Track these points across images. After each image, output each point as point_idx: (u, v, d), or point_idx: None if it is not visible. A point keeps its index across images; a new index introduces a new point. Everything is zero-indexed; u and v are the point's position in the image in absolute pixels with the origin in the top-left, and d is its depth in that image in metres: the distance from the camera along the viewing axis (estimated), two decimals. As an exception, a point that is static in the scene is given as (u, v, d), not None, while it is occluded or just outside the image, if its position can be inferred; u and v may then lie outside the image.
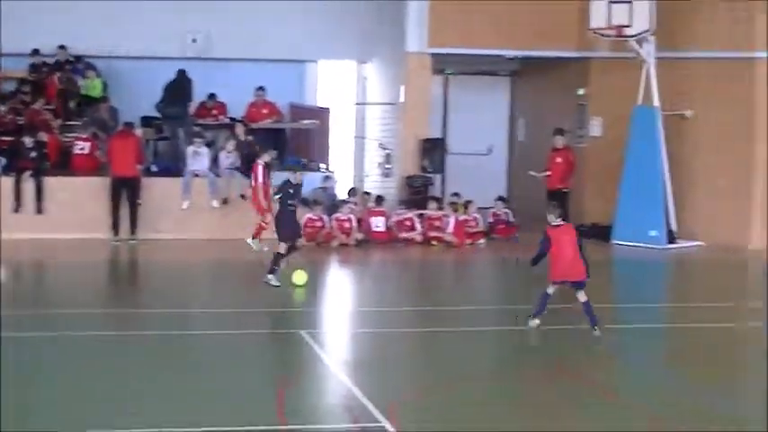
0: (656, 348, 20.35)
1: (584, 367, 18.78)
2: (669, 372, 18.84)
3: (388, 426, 14.60)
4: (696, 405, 16.42)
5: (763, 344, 19.29)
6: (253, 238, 26.48)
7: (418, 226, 31.21)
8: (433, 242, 30.85)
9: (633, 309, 20.78)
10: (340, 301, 23.72)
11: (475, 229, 31.57)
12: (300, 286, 23.45)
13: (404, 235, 31.04)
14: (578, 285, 20.35)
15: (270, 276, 23.56)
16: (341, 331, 21.36)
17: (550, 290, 20.53)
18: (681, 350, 20.17)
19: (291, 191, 24.11)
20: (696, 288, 22.63)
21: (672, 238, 31.80)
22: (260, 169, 26.49)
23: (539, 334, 20.86)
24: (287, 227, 24.06)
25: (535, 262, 21.07)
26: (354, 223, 30.43)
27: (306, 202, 24.57)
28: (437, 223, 31.20)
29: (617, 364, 19.41)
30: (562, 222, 20.92)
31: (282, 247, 23.81)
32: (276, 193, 24.30)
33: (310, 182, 31.92)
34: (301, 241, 24.92)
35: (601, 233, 32.43)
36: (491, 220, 32.79)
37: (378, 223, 31.14)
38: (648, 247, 31.45)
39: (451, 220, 31.19)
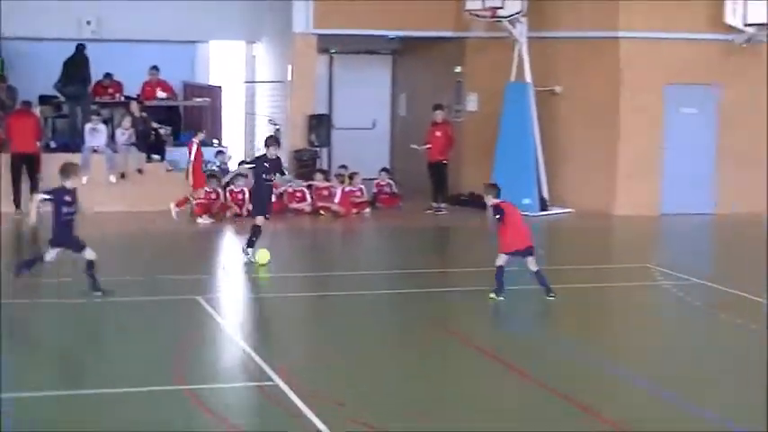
0: (535, 310, 20.43)
1: (467, 329, 18.77)
2: (545, 332, 19.04)
3: (281, 384, 14.67)
4: (572, 363, 16.65)
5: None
6: (176, 205, 27.47)
7: (308, 197, 31.09)
8: (321, 212, 30.80)
9: (513, 272, 20.74)
10: (235, 268, 23.43)
11: (360, 199, 31.57)
12: (263, 265, 22.80)
13: (294, 206, 30.94)
14: (529, 253, 20.04)
15: (249, 250, 23.14)
16: (236, 297, 21.27)
17: (501, 261, 20.07)
18: (560, 311, 20.24)
19: (267, 165, 23.25)
20: (569, 251, 22.82)
21: (544, 206, 31.96)
22: (194, 147, 27.82)
23: (423, 296, 20.89)
24: (262, 202, 23.47)
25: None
26: (247, 195, 30.22)
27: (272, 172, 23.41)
28: (325, 194, 31.16)
29: (499, 326, 19.61)
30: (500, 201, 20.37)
31: (260, 220, 23.24)
32: (251, 167, 24.10)
33: (205, 156, 31.77)
34: (263, 219, 23.61)
35: (478, 201, 32.38)
36: (375, 190, 32.79)
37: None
38: (522, 214, 31.37)
39: (338, 191, 31.18)
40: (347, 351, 17.13)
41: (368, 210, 31.38)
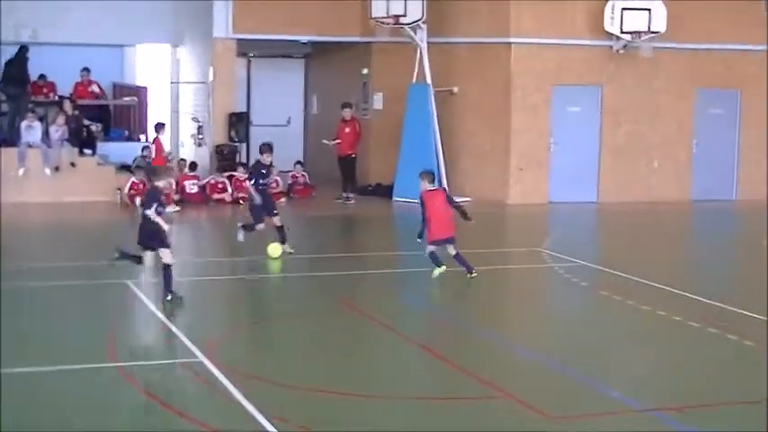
0: (437, 289, 20.52)
1: (369, 306, 18.90)
2: (445, 309, 19.30)
3: (205, 361, 14.66)
4: (464, 335, 16.97)
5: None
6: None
7: (229, 188, 31.20)
8: (241, 201, 30.81)
9: (414, 255, 21.00)
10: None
11: (276, 190, 31.51)
12: (275, 258, 22.25)
13: (216, 196, 31.02)
14: (450, 241, 20.33)
15: (240, 232, 23.06)
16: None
17: (431, 248, 20.33)
18: (462, 290, 20.48)
19: (264, 171, 22.76)
20: (468, 237, 22.93)
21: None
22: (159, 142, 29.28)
23: (334, 278, 21.06)
24: (260, 208, 22.65)
25: (421, 235, 20.42)
26: (173, 186, 30.26)
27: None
28: (244, 185, 31.15)
29: (399, 303, 19.56)
30: (435, 187, 20.75)
31: (260, 226, 22.71)
32: (249, 179, 23.09)
33: (133, 151, 31.78)
34: (278, 218, 22.82)
35: (384, 191, 32.74)
36: (290, 181, 32.82)
37: (192, 186, 31.03)
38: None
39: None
40: (264, 329, 17.31)
41: (283, 200, 31.43)
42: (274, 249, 22.06)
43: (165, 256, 18.15)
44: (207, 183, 31.28)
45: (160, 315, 17.70)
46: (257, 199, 22.53)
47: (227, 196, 31.10)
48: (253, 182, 22.67)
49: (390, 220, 30.37)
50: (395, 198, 32.17)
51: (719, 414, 13.16)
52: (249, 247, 24.76)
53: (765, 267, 21.79)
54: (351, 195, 31.97)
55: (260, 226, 22.75)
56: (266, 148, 23.06)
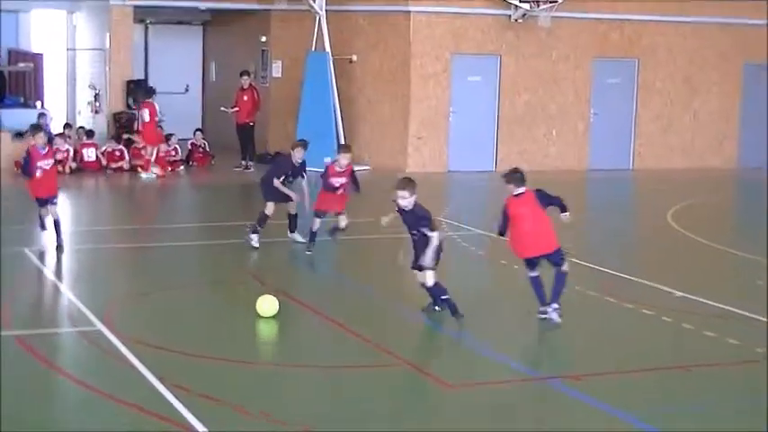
0: (332, 258, 20.95)
1: (267, 275, 19.08)
2: (340, 276, 19.56)
3: (104, 329, 14.73)
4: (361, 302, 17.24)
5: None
6: (145, 173, 28.75)
7: (126, 156, 31.14)
8: (138, 170, 30.80)
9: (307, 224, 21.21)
10: (63, 222, 23.16)
11: (175, 158, 31.64)
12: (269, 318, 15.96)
13: (113, 164, 30.95)
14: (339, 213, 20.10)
15: (252, 236, 20.82)
16: (61, 248, 20.29)
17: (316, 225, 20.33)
18: (354, 258, 21.00)
19: (292, 171, 20.94)
20: (366, 206, 23.03)
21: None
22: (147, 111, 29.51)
23: (231, 246, 21.15)
24: (276, 193, 20.81)
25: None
26: (70, 154, 30.20)
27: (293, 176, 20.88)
28: (141, 153, 31.15)
29: (296, 270, 20.06)
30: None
31: (269, 208, 20.87)
32: (277, 177, 20.74)
33: (29, 117, 31.60)
34: (293, 205, 21.16)
35: (282, 160, 32.91)
36: (189, 149, 32.78)
37: (89, 154, 30.94)
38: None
39: (154, 151, 31.18)
40: (162, 297, 17.26)
41: (182, 168, 31.53)
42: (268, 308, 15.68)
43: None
44: (104, 150, 31.19)
45: (58, 284, 17.73)
46: (294, 197, 20.87)
47: (124, 164, 31.03)
48: (281, 180, 20.79)
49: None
50: (294, 167, 32.30)
51: (617, 382, 13.40)
52: (144, 215, 24.83)
53: (662, 237, 22.25)
54: (249, 164, 32.06)
55: (268, 207, 20.90)
56: (300, 143, 21.50)
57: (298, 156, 20.98)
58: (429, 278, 15.36)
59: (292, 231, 21.46)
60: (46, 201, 19.55)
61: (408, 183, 15.34)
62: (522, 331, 16.04)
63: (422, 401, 12.72)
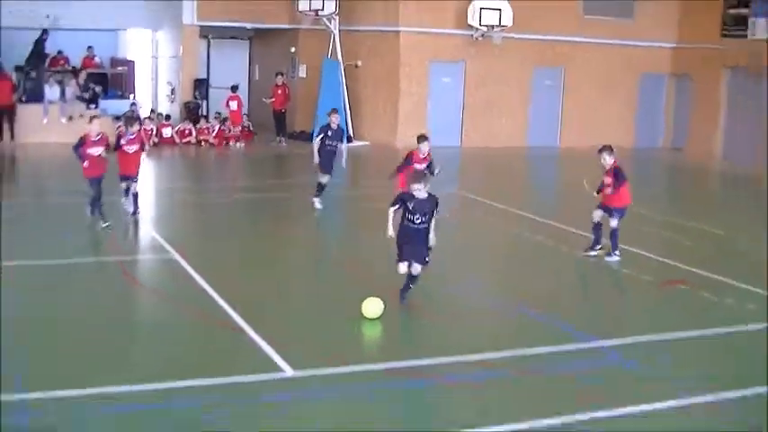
0: (341, 216, 20.81)
1: (293, 227, 19.14)
2: (350, 229, 19.65)
3: (177, 256, 14.94)
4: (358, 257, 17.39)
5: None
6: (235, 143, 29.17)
7: (193, 133, 31.30)
8: (202, 144, 30.97)
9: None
10: (149, 180, 23.06)
11: (228, 135, 31.77)
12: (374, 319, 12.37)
13: (184, 140, 31.11)
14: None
15: (315, 200, 19.92)
16: (148, 198, 20.43)
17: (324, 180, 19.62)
18: (360, 218, 20.64)
19: (330, 133, 19.75)
20: (367, 172, 23.18)
21: (350, 139, 32.35)
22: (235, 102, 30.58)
23: (270, 200, 21.25)
24: (326, 162, 19.80)
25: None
26: (153, 132, 30.38)
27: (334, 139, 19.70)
28: (205, 131, 31.33)
29: (320, 224, 19.56)
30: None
31: (325, 178, 19.85)
32: (317, 135, 19.88)
33: (124, 106, 31.74)
34: (327, 177, 19.92)
35: (306, 137, 32.86)
36: (240, 129, 32.84)
37: (166, 132, 31.07)
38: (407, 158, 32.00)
39: (215, 129, 31.40)
40: (223, 235, 17.37)
41: (236, 143, 31.74)
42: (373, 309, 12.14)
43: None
44: (177, 129, 31.38)
45: (144, 224, 17.74)
46: (316, 158, 19.75)
47: (192, 139, 31.24)
48: (319, 140, 19.80)
49: (311, 159, 30.66)
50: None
51: (562, 306, 13.39)
52: (208, 177, 24.85)
53: (581, 195, 22.43)
54: (282, 139, 32.25)
55: (324, 178, 19.91)
56: (333, 111, 20.60)
57: (334, 120, 19.99)
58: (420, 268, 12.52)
59: (316, 196, 19.98)
60: (98, 180, 17.04)
61: (423, 176, 12.56)
62: (484, 268, 16.03)
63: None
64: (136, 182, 17.86)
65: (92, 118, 17.71)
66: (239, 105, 32.07)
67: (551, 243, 17.16)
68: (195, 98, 33.68)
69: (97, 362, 10.22)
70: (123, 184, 17.75)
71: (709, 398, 9.73)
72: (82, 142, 16.92)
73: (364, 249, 16.61)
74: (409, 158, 17.67)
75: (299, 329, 11.57)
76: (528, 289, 14.16)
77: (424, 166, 17.46)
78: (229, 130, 31.72)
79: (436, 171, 17.24)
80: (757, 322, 12.57)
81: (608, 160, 15.95)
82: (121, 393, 9.27)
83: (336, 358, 10.45)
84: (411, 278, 12.61)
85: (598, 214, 16.16)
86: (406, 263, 12.41)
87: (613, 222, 15.90)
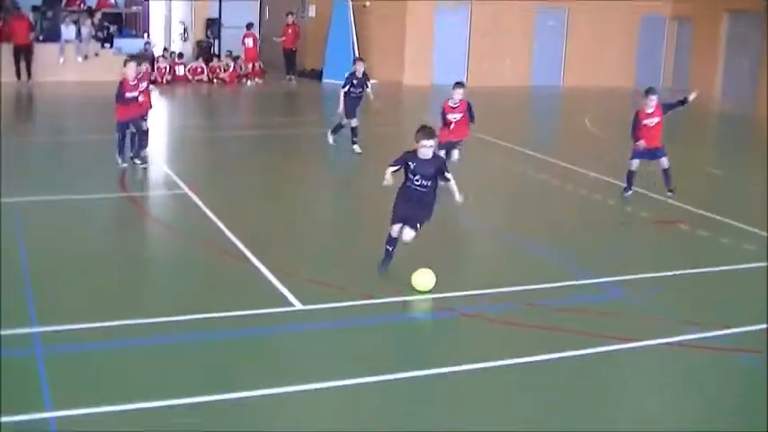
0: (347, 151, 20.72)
1: (304, 163, 19.10)
2: (358, 159, 19.44)
3: (189, 192, 14.89)
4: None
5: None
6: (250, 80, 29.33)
7: (205, 71, 31.11)
8: (214, 81, 30.83)
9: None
10: (162, 118, 23.09)
11: (240, 73, 31.65)
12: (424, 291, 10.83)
13: (196, 77, 30.94)
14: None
15: (331, 136, 19.63)
16: (160, 135, 20.42)
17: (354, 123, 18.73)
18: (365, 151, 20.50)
19: (355, 82, 18.98)
20: (380, 108, 23.06)
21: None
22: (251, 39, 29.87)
23: (279, 136, 21.15)
24: (351, 109, 19.09)
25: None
26: (166, 70, 30.21)
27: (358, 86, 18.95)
28: (217, 69, 31.18)
29: (328, 156, 19.56)
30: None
31: (354, 122, 19.18)
32: (343, 86, 19.01)
33: (138, 45, 31.43)
34: (355, 120, 19.30)
35: (315, 75, 32.88)
36: (251, 66, 32.64)
37: (179, 70, 30.91)
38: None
39: (227, 67, 31.23)
40: (234, 171, 17.36)
41: (249, 80, 31.56)
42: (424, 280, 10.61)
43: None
44: (190, 67, 31.18)
45: (157, 161, 17.64)
46: (340, 107, 19.07)
47: (204, 77, 31.06)
48: (345, 88, 19.05)
49: (321, 94, 30.53)
50: (324, 80, 32.30)
51: (564, 243, 13.43)
52: (220, 112, 24.74)
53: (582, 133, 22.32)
54: (292, 77, 32.11)
55: (345, 121, 19.31)
56: (359, 59, 20.09)
57: (359, 68, 19.18)
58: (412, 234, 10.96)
59: (354, 143, 19.26)
60: (131, 122, 16.69)
61: (433, 132, 10.89)
62: (489, 201, 16.05)
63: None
64: (145, 120, 17.18)
65: (126, 61, 16.80)
66: (255, 42, 31.83)
67: (556, 182, 17.04)
68: (207, 37, 33.49)
69: (113, 296, 10.17)
70: (132, 127, 16.90)
71: (705, 334, 9.65)
72: (121, 89, 16.31)
73: (373, 185, 16.47)
74: (442, 110, 16.74)
75: (309, 264, 11.51)
76: (531, 226, 14.10)
77: (456, 117, 16.65)
78: (241, 68, 31.57)
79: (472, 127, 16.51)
80: (755, 261, 12.47)
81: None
82: (139, 326, 9.21)
83: (345, 292, 10.39)
84: (394, 244, 10.93)
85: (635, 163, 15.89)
86: (399, 225, 10.87)
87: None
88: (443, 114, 16.67)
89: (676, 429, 7.70)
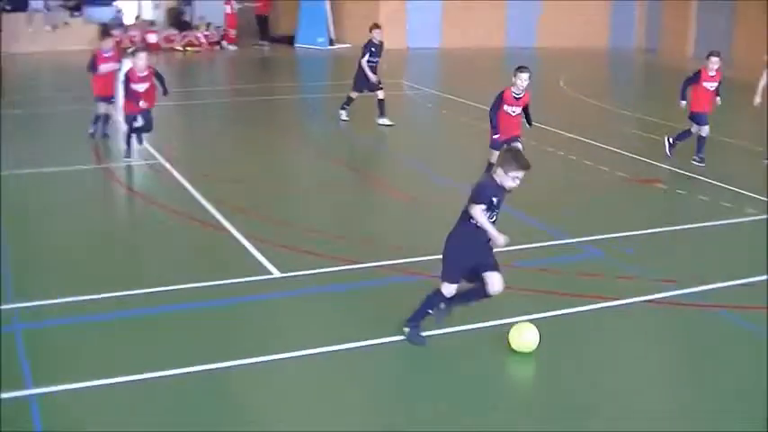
0: (323, 116, 20.51)
1: (278, 129, 18.87)
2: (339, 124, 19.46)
3: (164, 161, 14.84)
4: (361, 148, 17.11)
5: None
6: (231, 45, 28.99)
7: (178, 39, 30.89)
8: (188, 48, 30.62)
9: (313, 86, 21.13)
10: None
11: (213, 40, 31.46)
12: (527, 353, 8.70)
13: (168, 45, 30.71)
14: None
15: (342, 112, 18.63)
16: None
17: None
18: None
19: (374, 50, 18.03)
20: (346, 73, 22.89)
21: (331, 42, 32.20)
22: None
23: (255, 101, 21.02)
24: (362, 79, 18.14)
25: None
26: (138, 37, 29.93)
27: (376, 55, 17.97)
28: (190, 36, 30.99)
29: (308, 120, 19.56)
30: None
31: (354, 94, 18.44)
32: (363, 55, 17.96)
33: (109, 13, 31.14)
34: (381, 93, 18.28)
35: (287, 40, 32.66)
36: (223, 32, 32.43)
37: (152, 37, 30.66)
38: (318, 48, 31.80)
39: (200, 34, 31.02)
40: (208, 139, 17.31)
41: (220, 47, 31.39)
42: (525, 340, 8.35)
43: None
44: (162, 35, 30.94)
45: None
46: (371, 77, 17.98)
47: (177, 45, 30.83)
48: (365, 58, 18.02)
49: (295, 62, 30.39)
50: (297, 45, 32.15)
51: (537, 203, 13.27)
52: (193, 80, 24.51)
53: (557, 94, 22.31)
54: (265, 43, 31.93)
55: (354, 94, 18.49)
56: (375, 25, 18.60)
57: (376, 36, 18.12)
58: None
59: (381, 116, 18.35)
60: (105, 99, 16.25)
61: (528, 163, 8.17)
62: (455, 157, 16.02)
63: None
64: (112, 103, 16.62)
65: (104, 34, 16.34)
66: (233, 9, 31.57)
67: (533, 143, 16.93)
68: (180, 3, 33.16)
69: (90, 270, 10.10)
70: (101, 107, 16.33)
71: (682, 291, 9.70)
72: (94, 60, 15.87)
73: (348, 150, 16.50)
74: (500, 100, 13.34)
75: (286, 232, 11.45)
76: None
77: (517, 111, 13.42)
78: (214, 36, 31.39)
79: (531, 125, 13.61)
80: (731, 217, 12.54)
81: None
82: (118, 298, 9.15)
83: (323, 259, 10.35)
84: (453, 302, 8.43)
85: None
86: (458, 284, 8.29)
87: None
88: (499, 104, 13.29)
89: (659, 387, 7.76)
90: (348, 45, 31.89)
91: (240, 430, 6.89)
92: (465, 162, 15.87)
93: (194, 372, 7.66)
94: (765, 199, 13.34)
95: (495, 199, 8.07)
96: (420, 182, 14.33)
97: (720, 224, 12.28)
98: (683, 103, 15.41)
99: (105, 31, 18.53)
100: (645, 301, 9.42)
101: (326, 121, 19.03)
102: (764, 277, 10.09)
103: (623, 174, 14.89)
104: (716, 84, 15.49)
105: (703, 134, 15.52)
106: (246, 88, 23.70)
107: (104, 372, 7.55)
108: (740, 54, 28.32)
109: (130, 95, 14.84)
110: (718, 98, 15.63)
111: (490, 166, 12.63)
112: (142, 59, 14.85)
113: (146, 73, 14.97)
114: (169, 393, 7.35)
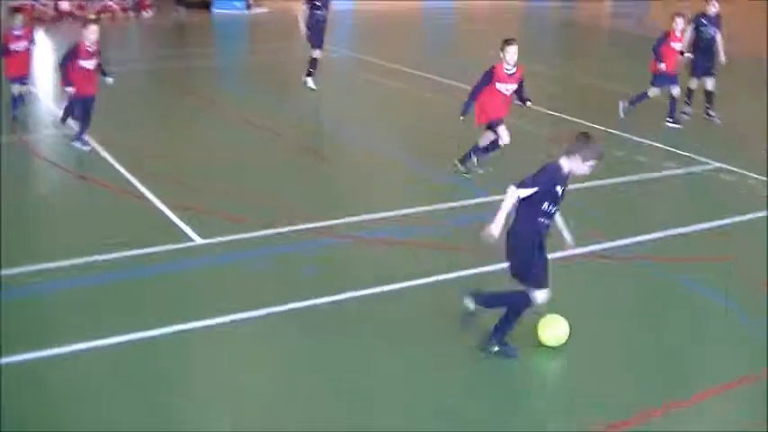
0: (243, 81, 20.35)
1: (200, 97, 18.64)
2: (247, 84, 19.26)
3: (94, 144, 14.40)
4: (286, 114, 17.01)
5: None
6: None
7: (88, 6, 30.24)
8: (101, 16, 29.94)
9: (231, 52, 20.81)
10: (49, 55, 21.80)
11: (125, 6, 30.91)
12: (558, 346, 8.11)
13: (77, 12, 29.99)
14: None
15: (308, 79, 17.90)
16: (49, 73, 19.25)
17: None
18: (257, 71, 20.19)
19: (318, 2, 17.53)
20: (266, 37, 22.67)
21: (248, 6, 31.90)
22: None
23: (174, 69, 20.68)
24: (317, 35, 17.67)
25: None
26: (50, 6, 29.35)
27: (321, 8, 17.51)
28: (105, 5, 30.43)
29: (221, 92, 19.15)
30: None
31: (316, 53, 17.79)
32: (304, 4, 17.48)
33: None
34: (319, 51, 17.87)
35: (204, 5, 32.20)
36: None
37: (64, 6, 29.96)
38: (235, 13, 31.44)
39: (113, 2, 30.50)
40: (125, 108, 16.74)
41: (131, 14, 30.80)
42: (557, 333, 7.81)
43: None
44: (75, 3, 30.25)
45: (47, 101, 17.10)
46: (303, 29, 17.61)
47: (86, 13, 30.13)
48: (308, 6, 17.61)
49: (211, 26, 30.02)
50: (214, 10, 31.75)
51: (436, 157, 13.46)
52: (110, 48, 24.13)
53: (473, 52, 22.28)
54: (180, 8, 31.49)
55: (316, 53, 17.81)
56: None
57: None
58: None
59: (309, 75, 17.94)
60: (19, 79, 14.98)
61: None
62: (380, 122, 15.90)
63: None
64: (26, 84, 15.46)
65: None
66: None
67: (457, 104, 17.03)
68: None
69: (10, 243, 9.85)
70: (15, 88, 15.12)
71: (612, 244, 9.91)
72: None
73: (272, 115, 16.34)
74: (490, 75, 12.16)
75: (207, 198, 11.39)
76: (424, 147, 14.16)
77: (511, 88, 12.25)
78: (129, 2, 30.84)
79: (528, 103, 12.49)
80: (649, 172, 12.82)
81: None
82: (44, 271, 9.04)
83: (244, 225, 10.33)
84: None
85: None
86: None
87: None
88: (489, 80, 12.19)
89: (590, 339, 7.89)
90: (265, 10, 31.58)
91: (162, 399, 6.85)
92: (386, 127, 15.91)
93: (121, 342, 7.60)
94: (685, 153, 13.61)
95: (559, 188, 7.14)
96: (344, 147, 14.35)
97: (641, 178, 12.54)
98: (662, 65, 15.71)
99: (13, 8, 17.40)
100: (578, 254, 9.45)
101: (244, 87, 18.81)
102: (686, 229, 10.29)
103: (546, 131, 15.20)
104: (681, 44, 16.01)
105: (676, 94, 15.97)
106: (165, 54, 23.34)
107: (33, 346, 7.47)
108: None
109: (79, 73, 13.41)
110: (687, 54, 16.26)
111: (476, 148, 12.40)
112: (94, 32, 13.43)
113: (96, 48, 13.57)
114: (93, 365, 7.27)
